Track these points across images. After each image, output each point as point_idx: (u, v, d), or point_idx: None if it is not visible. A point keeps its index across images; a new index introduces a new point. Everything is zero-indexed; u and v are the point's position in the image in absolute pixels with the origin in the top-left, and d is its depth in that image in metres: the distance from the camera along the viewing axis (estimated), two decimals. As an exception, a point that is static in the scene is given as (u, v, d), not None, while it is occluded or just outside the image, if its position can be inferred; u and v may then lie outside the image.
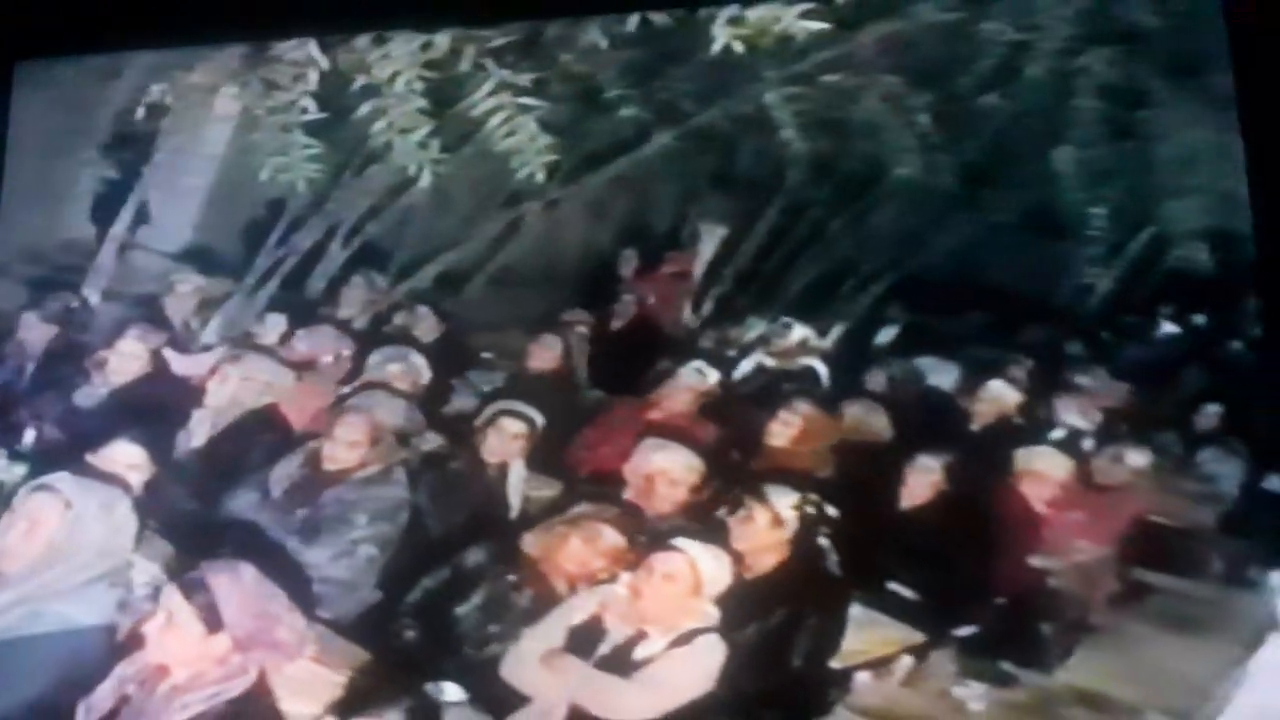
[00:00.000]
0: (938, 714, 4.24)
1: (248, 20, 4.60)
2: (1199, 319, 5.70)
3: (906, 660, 4.33)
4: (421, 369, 5.08)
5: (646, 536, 4.05)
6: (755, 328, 5.96)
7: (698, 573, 3.68)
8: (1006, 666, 4.36)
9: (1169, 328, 5.74)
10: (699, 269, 6.18)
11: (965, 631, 4.44)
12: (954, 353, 5.58)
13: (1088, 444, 4.89)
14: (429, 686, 3.54)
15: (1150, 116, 4.96)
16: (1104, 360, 5.46)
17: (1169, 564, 4.61)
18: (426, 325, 5.56)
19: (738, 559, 3.97)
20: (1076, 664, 4.40)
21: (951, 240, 5.73)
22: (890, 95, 5.23)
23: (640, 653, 3.64)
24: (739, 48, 4.36)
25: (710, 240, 6.17)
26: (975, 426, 5.12)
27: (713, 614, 3.70)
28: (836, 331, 5.94)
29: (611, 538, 3.94)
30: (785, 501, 4.15)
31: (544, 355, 5.46)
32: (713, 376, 5.22)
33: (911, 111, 5.26)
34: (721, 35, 4.38)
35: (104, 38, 4.84)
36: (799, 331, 5.81)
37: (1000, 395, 5.16)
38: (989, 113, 5.16)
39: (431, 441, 4.80)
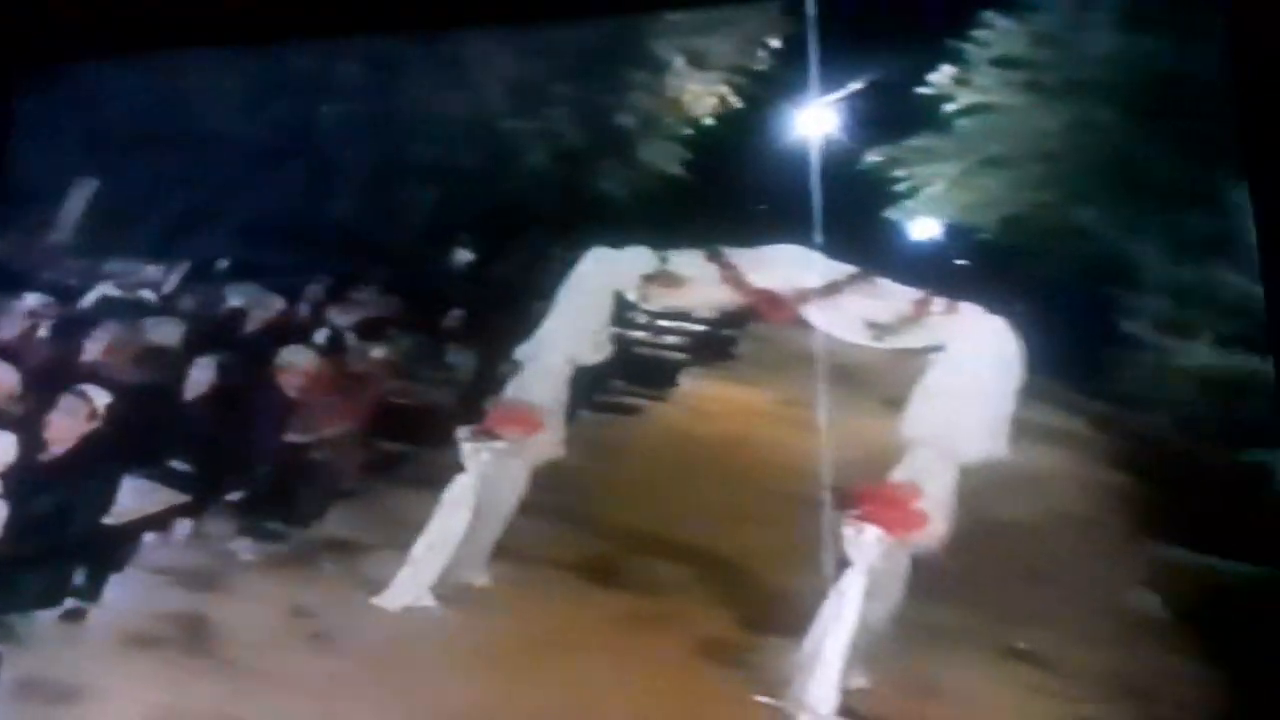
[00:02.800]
0: (216, 566, 5.37)
1: (247, 25, 5.23)
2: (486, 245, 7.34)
3: (186, 522, 5.42)
4: None
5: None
6: (113, 263, 7.09)
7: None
8: (273, 524, 5.58)
9: (463, 254, 7.38)
10: (65, 218, 7.23)
11: (236, 496, 5.58)
12: (266, 278, 6.91)
13: (347, 342, 6.33)
14: None
15: (395, 79, 6.47)
16: (386, 278, 6.96)
17: (412, 435, 6.00)
18: None
19: (45, 443, 5.06)
20: (331, 519, 5.70)
21: (282, 188, 7.00)
22: (212, 64, 6.42)
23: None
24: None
25: (81, 192, 7.22)
26: (251, 332, 6.49)
27: (-8, 485, 4.60)
28: (185, 266, 7.17)
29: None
30: (102, 399, 5.31)
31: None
32: (32, 300, 6.35)
33: (225, 75, 6.50)
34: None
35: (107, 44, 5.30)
36: (151, 268, 7.05)
37: (273, 306, 6.58)
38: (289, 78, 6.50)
39: None
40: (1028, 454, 5.25)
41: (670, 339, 6.45)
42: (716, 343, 6.53)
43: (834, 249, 5.16)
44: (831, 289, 5.00)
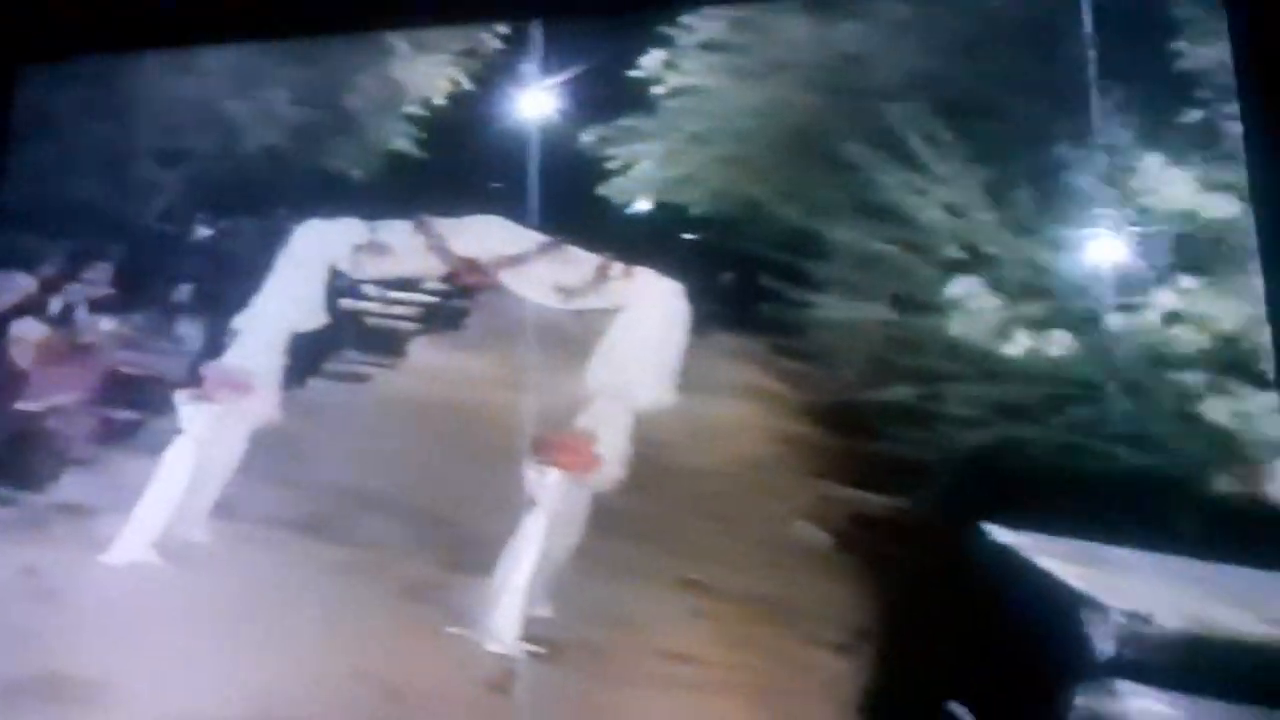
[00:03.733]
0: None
1: (246, 22, 5.36)
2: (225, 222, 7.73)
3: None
4: None
5: None
6: None
7: None
8: (4, 489, 5.89)
9: (201, 231, 7.74)
10: None
11: (-41, 465, 5.72)
12: (14, 261, 7.20)
13: (78, 314, 6.69)
14: None
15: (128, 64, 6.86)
16: (121, 255, 7.31)
17: (141, 404, 6.33)
18: None
19: None
20: (63, 484, 6.03)
21: (29, 172, 7.27)
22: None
23: None
24: None
25: None
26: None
27: None
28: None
29: None
30: None
31: None
32: None
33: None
34: None
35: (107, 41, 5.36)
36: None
37: (22, 287, 6.91)
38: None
39: None
40: (720, 407, 5.90)
41: (402, 310, 6.75)
42: (447, 313, 6.84)
43: (553, 223, 5.68)
44: (525, 256, 5.47)
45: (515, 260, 5.38)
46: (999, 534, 4.26)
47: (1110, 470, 4.39)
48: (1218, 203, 4.51)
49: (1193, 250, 4.58)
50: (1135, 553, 4.17)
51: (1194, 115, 4.71)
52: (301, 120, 6.70)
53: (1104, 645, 3.59)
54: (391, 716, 4.85)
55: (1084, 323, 4.65)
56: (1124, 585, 3.90)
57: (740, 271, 6.05)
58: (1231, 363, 4.47)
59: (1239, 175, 4.44)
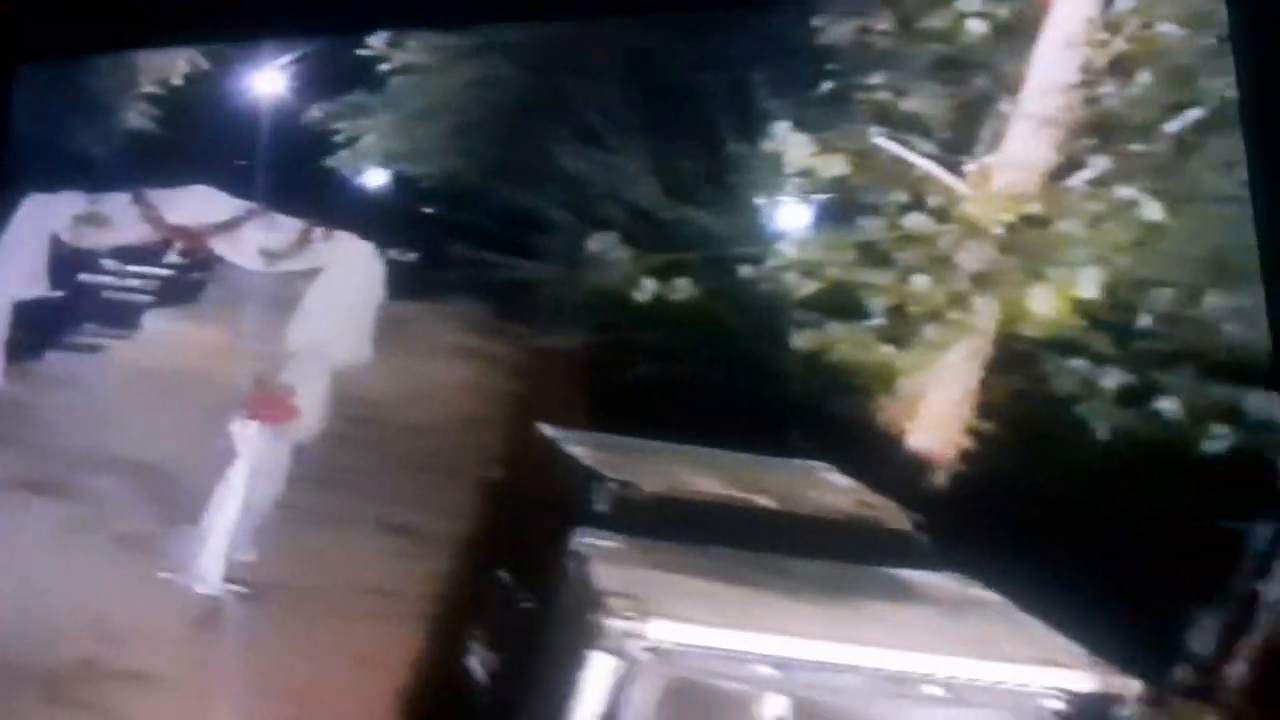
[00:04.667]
0: None
1: (243, 21, 5.42)
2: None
3: None
4: None
5: None
6: None
7: None
8: None
9: None
10: None
11: None
12: None
13: None
14: None
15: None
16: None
17: None
18: None
19: None
20: None
21: None
22: None
23: None
24: None
25: None
26: None
27: None
28: None
29: None
30: None
31: None
32: None
33: None
34: None
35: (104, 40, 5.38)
36: None
37: None
38: None
39: None
40: (441, 367, 6.34)
41: (138, 283, 7.10)
42: (183, 285, 7.18)
43: (283, 195, 6.07)
44: (233, 222, 5.86)
45: (224, 227, 5.75)
46: (547, 429, 4.79)
47: (741, 398, 4.98)
48: (831, 163, 5.10)
49: (810, 206, 5.18)
50: (671, 445, 4.76)
51: (827, 86, 5.20)
52: (41, 101, 6.95)
53: (601, 506, 4.22)
54: (106, 654, 5.22)
55: (716, 272, 5.23)
56: (631, 464, 4.50)
57: (465, 241, 6.45)
58: (838, 304, 5.07)
59: (856, 140, 5.05)
